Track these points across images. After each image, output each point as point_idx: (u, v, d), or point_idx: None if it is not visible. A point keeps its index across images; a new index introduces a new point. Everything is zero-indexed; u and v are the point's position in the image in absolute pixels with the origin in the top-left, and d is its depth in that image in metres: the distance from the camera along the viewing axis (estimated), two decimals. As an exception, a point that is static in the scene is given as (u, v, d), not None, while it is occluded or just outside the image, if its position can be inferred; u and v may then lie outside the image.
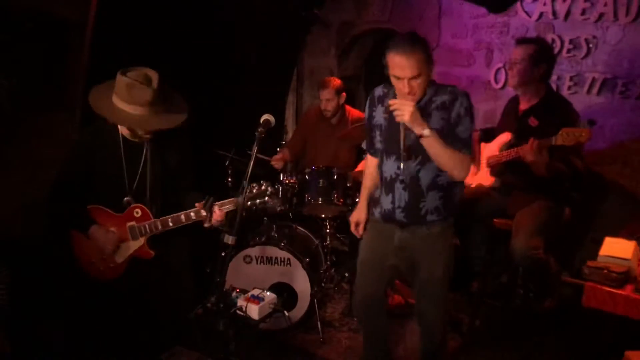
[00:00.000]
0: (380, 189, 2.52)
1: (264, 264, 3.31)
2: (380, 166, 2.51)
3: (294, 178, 3.59)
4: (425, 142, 2.24)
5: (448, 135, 2.29)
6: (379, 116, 2.48)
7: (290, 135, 4.99)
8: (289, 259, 3.28)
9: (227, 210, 2.44)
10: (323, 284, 3.62)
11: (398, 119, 2.23)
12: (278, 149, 4.20)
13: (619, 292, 2.09)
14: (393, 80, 2.28)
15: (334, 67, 5.25)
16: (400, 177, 2.39)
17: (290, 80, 5.46)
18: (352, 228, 2.76)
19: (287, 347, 3.18)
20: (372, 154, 2.66)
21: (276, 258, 3.30)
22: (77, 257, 2.58)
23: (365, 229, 2.67)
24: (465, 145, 2.31)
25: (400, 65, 2.18)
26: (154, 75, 2.43)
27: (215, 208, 2.43)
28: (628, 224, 2.91)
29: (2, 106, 3.01)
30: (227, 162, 3.77)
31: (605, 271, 2.14)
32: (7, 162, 3.06)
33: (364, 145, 3.62)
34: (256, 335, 3.08)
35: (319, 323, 3.28)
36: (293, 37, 5.17)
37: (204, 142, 3.53)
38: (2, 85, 3.00)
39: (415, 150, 2.33)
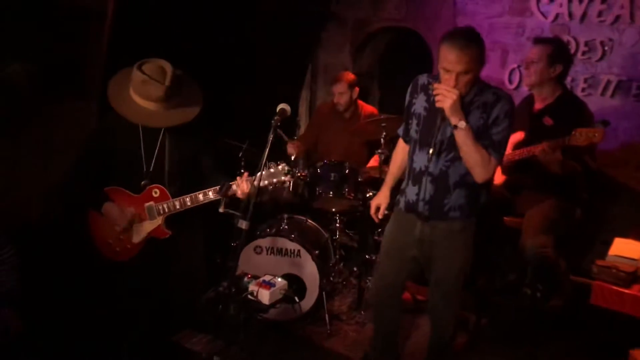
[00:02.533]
0: (407, 179, 2.51)
1: (274, 254, 3.34)
2: (411, 156, 2.49)
3: (306, 171, 3.61)
4: (457, 134, 2.24)
5: (483, 135, 2.28)
6: (419, 105, 2.45)
7: (302, 130, 5.02)
8: (298, 251, 3.31)
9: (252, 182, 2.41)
10: (332, 278, 3.64)
11: (438, 104, 2.23)
12: (295, 138, 4.21)
13: (627, 291, 2.11)
14: (441, 73, 2.26)
15: (348, 63, 5.26)
16: (430, 171, 2.38)
17: (305, 76, 5.48)
18: (372, 212, 2.77)
19: (295, 338, 3.21)
20: (406, 141, 2.64)
21: (286, 249, 3.33)
22: (94, 238, 2.62)
23: (389, 217, 2.66)
24: (494, 147, 2.29)
25: (451, 58, 2.18)
26: (168, 70, 2.44)
27: (244, 176, 2.41)
28: (638, 226, 2.91)
29: (22, 92, 3.07)
30: (241, 153, 3.80)
31: (614, 270, 2.16)
32: (25, 147, 3.13)
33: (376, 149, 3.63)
34: (264, 325, 3.13)
35: (326, 315, 3.31)
36: (308, 33, 5.19)
37: (218, 134, 3.57)
38: (22, 72, 3.06)
39: (448, 146, 2.33)
